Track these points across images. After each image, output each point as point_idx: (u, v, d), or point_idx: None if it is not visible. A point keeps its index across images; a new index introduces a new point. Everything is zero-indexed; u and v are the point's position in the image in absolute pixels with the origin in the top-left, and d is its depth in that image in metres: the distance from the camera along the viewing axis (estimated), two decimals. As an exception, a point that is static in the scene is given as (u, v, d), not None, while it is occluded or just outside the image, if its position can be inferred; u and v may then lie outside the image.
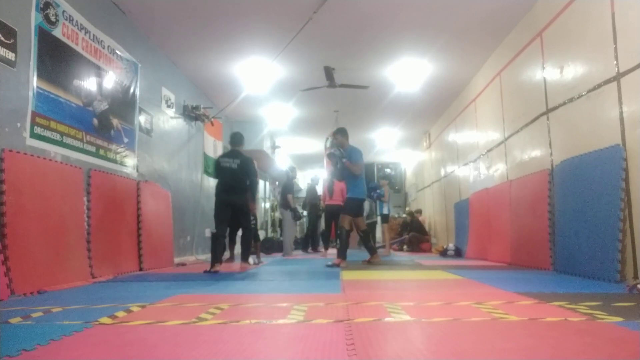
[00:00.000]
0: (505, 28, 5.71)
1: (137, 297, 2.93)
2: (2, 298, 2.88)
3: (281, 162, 12.25)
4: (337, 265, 5.49)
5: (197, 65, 6.92)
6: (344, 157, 5.72)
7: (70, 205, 3.98)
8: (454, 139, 9.03)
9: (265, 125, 10.20)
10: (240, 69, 7.03)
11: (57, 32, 4.00)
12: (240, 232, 6.12)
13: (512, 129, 5.82)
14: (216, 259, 5.00)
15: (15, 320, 2.17)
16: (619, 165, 3.49)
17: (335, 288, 3.39)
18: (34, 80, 3.68)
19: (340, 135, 5.90)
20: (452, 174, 9.24)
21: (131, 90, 5.42)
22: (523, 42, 5.39)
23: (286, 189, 8.82)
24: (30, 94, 3.63)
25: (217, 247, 5.12)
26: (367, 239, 6.01)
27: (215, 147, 8.63)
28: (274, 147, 11.46)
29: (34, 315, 2.32)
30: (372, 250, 6.00)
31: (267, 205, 13.01)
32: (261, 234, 10.60)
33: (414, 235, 10.31)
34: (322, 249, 9.51)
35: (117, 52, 5.10)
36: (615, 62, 3.60)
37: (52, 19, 3.93)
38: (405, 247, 10.55)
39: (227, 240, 6.48)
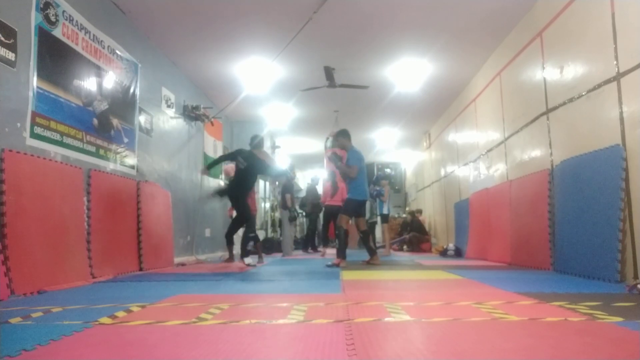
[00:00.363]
0: (505, 28, 5.71)
1: (137, 297, 2.93)
2: (2, 298, 2.88)
3: (281, 162, 12.24)
4: (337, 265, 5.49)
5: (197, 65, 6.92)
6: (339, 162, 5.88)
7: (70, 205, 3.98)
8: (454, 139, 9.03)
9: (265, 125, 10.19)
10: (240, 69, 7.03)
11: (57, 32, 4.00)
12: (239, 233, 6.26)
13: (512, 129, 5.82)
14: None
15: (15, 320, 2.17)
16: (619, 165, 3.49)
17: (335, 288, 3.39)
18: (34, 80, 3.67)
19: (341, 137, 5.97)
20: (452, 174, 9.24)
21: (131, 90, 5.42)
22: (523, 42, 5.39)
23: (285, 188, 8.83)
24: (30, 94, 3.63)
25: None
26: (367, 239, 6.03)
27: (215, 147, 8.63)
28: (274, 147, 11.46)
29: (34, 315, 2.32)
30: (372, 251, 6.01)
31: (267, 205, 13.01)
32: (261, 234, 10.61)
33: (414, 235, 10.31)
34: (322, 249, 9.50)
35: (117, 52, 5.10)
36: (615, 62, 3.60)
37: (52, 19, 3.93)
38: (405, 247, 10.56)
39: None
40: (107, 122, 4.83)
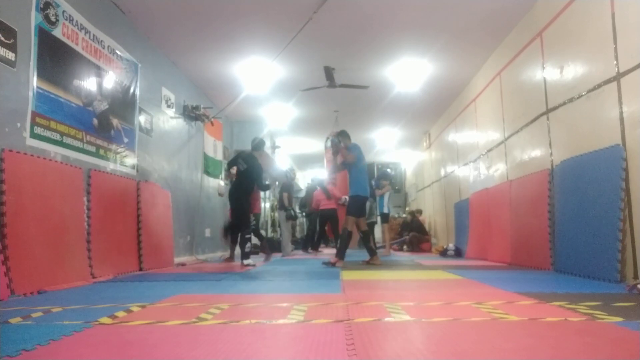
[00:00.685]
0: (505, 28, 5.71)
1: (137, 297, 2.93)
2: (2, 298, 2.88)
3: (281, 162, 12.25)
4: (333, 265, 5.48)
5: (197, 65, 6.92)
6: (340, 145, 5.95)
7: (70, 205, 3.98)
8: (454, 139, 9.03)
9: (265, 125, 10.20)
10: (240, 69, 7.03)
11: (57, 32, 4.00)
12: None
13: (512, 129, 5.82)
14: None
15: (15, 320, 2.17)
16: (619, 165, 3.49)
17: (335, 288, 3.39)
18: (34, 80, 3.67)
19: (342, 136, 6.06)
20: (452, 174, 9.24)
21: (131, 90, 5.42)
22: (523, 42, 5.39)
23: (283, 188, 8.83)
24: (30, 94, 3.63)
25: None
26: (367, 239, 6.02)
27: (215, 147, 8.64)
28: (274, 147, 11.46)
29: (34, 315, 2.32)
30: (372, 252, 6.00)
31: (267, 205, 13.01)
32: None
33: (414, 235, 10.31)
34: (322, 249, 9.53)
35: (117, 52, 5.10)
36: (615, 62, 3.60)
37: (52, 19, 3.93)
38: (405, 247, 10.56)
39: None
40: (107, 122, 4.83)
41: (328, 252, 8.65)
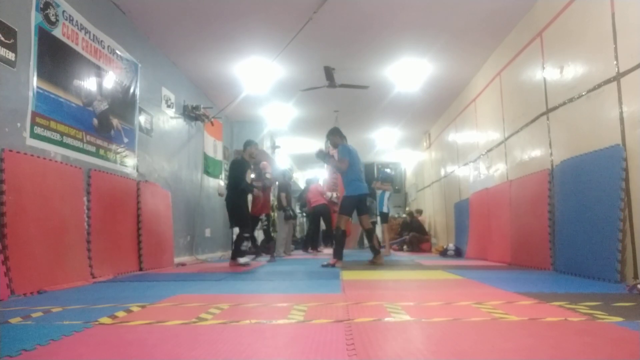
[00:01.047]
0: (505, 28, 5.71)
1: (137, 297, 2.93)
2: (2, 298, 2.88)
3: (281, 162, 12.25)
4: (332, 265, 5.46)
5: (197, 65, 6.91)
6: (328, 159, 6.02)
7: (70, 205, 3.98)
8: (454, 139, 9.03)
9: (265, 125, 10.20)
10: (240, 69, 7.03)
11: (57, 32, 4.00)
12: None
13: (512, 129, 5.82)
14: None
15: (15, 320, 2.17)
16: (619, 165, 3.49)
17: (335, 288, 3.39)
18: (34, 80, 3.67)
19: (332, 135, 6.07)
20: (452, 174, 9.24)
21: (131, 90, 5.42)
22: (523, 42, 5.39)
23: (281, 189, 8.85)
24: (30, 94, 3.63)
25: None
26: (371, 238, 5.96)
27: (215, 147, 8.64)
28: (274, 147, 11.47)
29: (34, 315, 2.32)
30: (376, 251, 5.94)
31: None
32: (261, 234, 10.62)
33: (414, 235, 10.31)
34: (322, 249, 9.53)
35: (117, 52, 5.10)
36: (615, 62, 3.60)
37: (52, 19, 3.93)
38: (405, 247, 10.56)
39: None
40: (107, 122, 4.83)
41: (328, 252, 8.64)
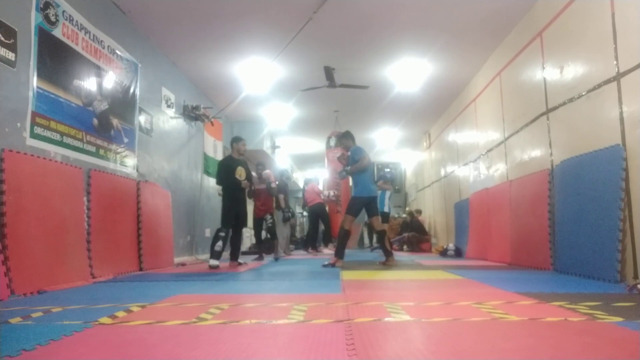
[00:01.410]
0: (505, 28, 5.71)
1: (137, 297, 2.93)
2: (2, 298, 2.88)
3: (281, 162, 12.25)
4: (333, 265, 5.45)
5: (197, 65, 6.92)
6: (347, 168, 5.85)
7: (70, 205, 3.98)
8: (454, 139, 9.03)
9: (265, 125, 10.20)
10: (240, 69, 7.03)
11: (57, 32, 4.00)
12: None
13: (512, 129, 5.82)
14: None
15: (15, 320, 2.17)
16: (619, 165, 3.49)
17: (335, 288, 3.39)
18: (34, 80, 3.67)
19: (344, 138, 6.03)
20: (452, 174, 9.24)
21: (131, 90, 5.42)
22: (523, 42, 5.39)
23: (279, 189, 8.83)
24: (30, 94, 3.63)
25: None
26: (382, 239, 5.87)
27: (215, 147, 8.63)
28: (274, 147, 11.46)
29: (34, 315, 2.32)
30: (388, 252, 5.81)
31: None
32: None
33: (413, 235, 10.30)
34: (322, 249, 9.53)
35: (117, 52, 5.10)
36: (615, 62, 3.60)
37: (52, 19, 3.93)
38: (405, 247, 10.55)
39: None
40: (107, 122, 4.83)
41: (328, 253, 8.64)
